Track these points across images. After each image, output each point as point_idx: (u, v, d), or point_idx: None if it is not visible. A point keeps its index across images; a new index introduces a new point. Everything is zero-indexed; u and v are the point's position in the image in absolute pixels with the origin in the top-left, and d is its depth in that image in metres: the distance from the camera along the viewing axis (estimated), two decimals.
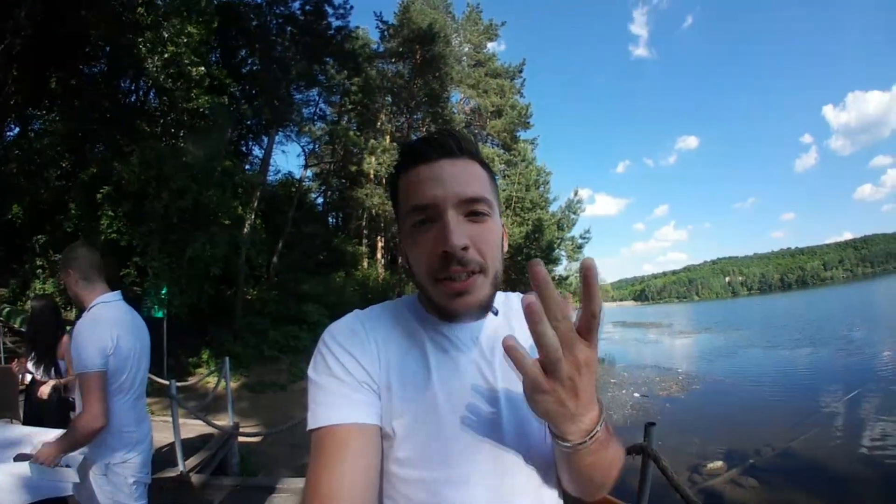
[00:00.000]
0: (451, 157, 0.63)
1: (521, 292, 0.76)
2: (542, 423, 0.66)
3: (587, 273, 0.47)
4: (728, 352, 19.90)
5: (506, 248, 0.69)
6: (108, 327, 1.69)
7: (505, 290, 0.78)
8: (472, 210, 0.62)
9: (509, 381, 0.67)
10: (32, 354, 3.09)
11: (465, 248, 0.59)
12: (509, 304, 0.76)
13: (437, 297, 0.62)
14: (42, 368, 3.05)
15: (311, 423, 0.59)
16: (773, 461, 6.57)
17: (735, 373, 14.36)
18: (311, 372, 0.63)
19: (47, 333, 3.11)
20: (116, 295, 1.82)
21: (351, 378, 0.61)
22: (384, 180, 20.31)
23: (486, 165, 0.67)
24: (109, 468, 1.70)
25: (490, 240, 0.62)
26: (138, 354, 1.83)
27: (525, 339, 0.68)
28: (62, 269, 1.79)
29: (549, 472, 0.69)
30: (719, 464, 6.42)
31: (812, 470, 6.18)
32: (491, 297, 0.65)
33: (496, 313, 0.73)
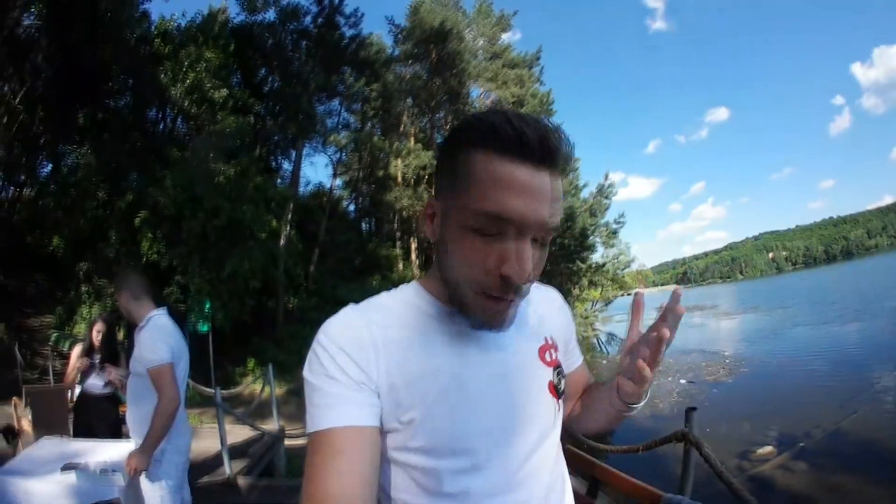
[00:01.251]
0: (553, 171, 0.54)
1: (558, 284, 0.80)
2: (553, 400, 0.69)
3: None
4: (775, 331, 18.94)
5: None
6: (168, 333, 2.00)
7: (540, 281, 0.76)
8: (544, 236, 0.57)
9: (519, 363, 0.67)
10: (98, 359, 3.39)
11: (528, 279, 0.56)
12: None
13: (474, 308, 0.59)
14: (98, 375, 3.38)
15: (309, 427, 0.57)
16: (823, 443, 6.26)
17: (783, 353, 13.64)
18: (305, 372, 0.60)
19: (112, 344, 3.52)
20: (164, 310, 2.11)
21: (346, 377, 0.58)
22: (412, 182, 20.47)
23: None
24: (165, 452, 1.92)
25: (542, 266, 0.60)
26: (186, 356, 2.11)
27: (529, 329, 0.72)
28: (116, 291, 2.12)
29: (559, 449, 0.70)
30: (769, 449, 6.13)
31: (863, 451, 5.84)
32: (516, 313, 0.63)
33: None
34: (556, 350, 0.73)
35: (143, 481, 1.88)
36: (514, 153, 0.52)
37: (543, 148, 0.52)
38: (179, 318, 9.08)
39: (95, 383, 3.36)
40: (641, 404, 0.68)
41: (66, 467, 1.92)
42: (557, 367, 0.71)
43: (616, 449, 2.81)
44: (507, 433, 0.62)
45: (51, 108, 10.02)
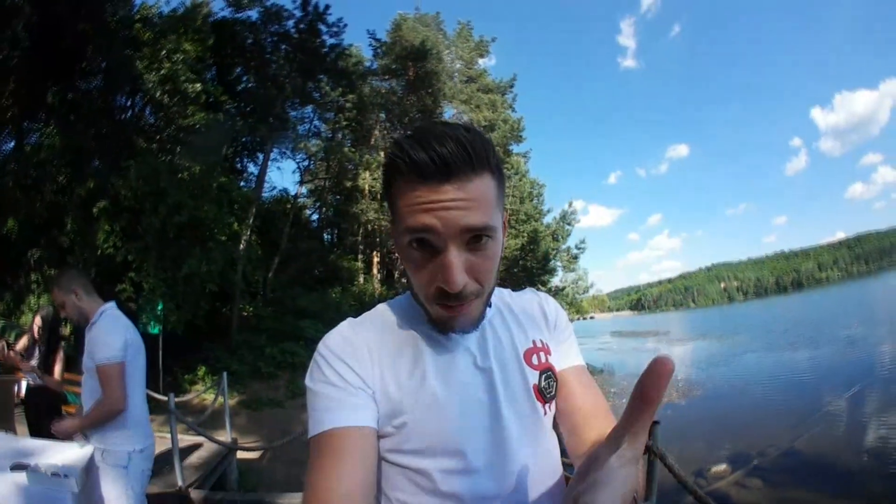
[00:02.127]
0: (456, 179, 0.55)
1: None
2: (538, 404, 0.68)
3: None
4: (727, 357, 19.93)
5: (504, 246, 0.68)
6: (123, 326, 1.94)
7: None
8: (475, 237, 0.58)
9: (502, 366, 0.69)
10: (37, 354, 3.22)
11: (464, 286, 0.58)
12: (501, 297, 0.78)
13: (433, 314, 0.64)
14: (39, 368, 3.21)
15: (311, 430, 0.61)
16: (777, 461, 6.55)
17: (735, 377, 14.39)
18: (307, 381, 0.65)
19: (55, 338, 3.36)
20: (113, 304, 2.04)
21: (345, 383, 0.62)
22: (379, 195, 20.39)
23: (496, 172, 0.61)
24: (132, 458, 1.86)
25: (489, 266, 0.61)
26: (143, 351, 2.05)
27: (515, 333, 0.73)
28: (63, 292, 1.95)
29: (547, 449, 0.71)
30: (723, 467, 6.39)
31: (817, 468, 6.18)
32: (483, 313, 0.67)
33: (490, 306, 0.74)
34: (546, 353, 0.73)
35: (107, 488, 1.75)
36: (416, 177, 0.56)
37: (439, 165, 0.55)
38: (130, 316, 8.58)
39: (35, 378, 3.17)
40: None
41: (16, 466, 1.73)
42: (546, 371, 0.72)
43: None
44: (495, 436, 0.65)
45: (22, 81, 9.48)
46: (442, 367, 0.66)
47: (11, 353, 3.21)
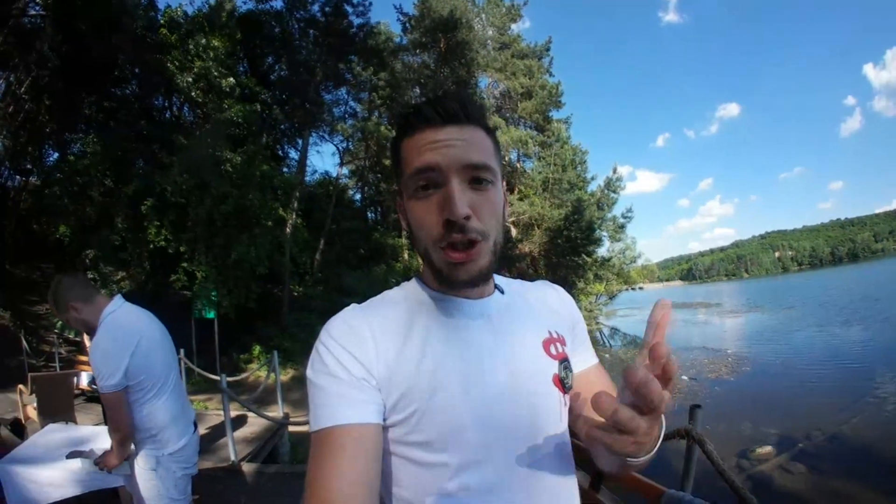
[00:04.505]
0: (456, 124, 0.62)
1: (562, 277, 0.76)
2: (558, 394, 0.67)
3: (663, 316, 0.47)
4: (779, 332, 18.87)
5: (507, 219, 0.69)
6: (124, 339, 1.68)
7: (546, 274, 0.77)
8: (476, 177, 0.61)
9: (523, 354, 0.67)
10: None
11: (467, 217, 0.59)
12: (511, 286, 0.76)
13: (439, 264, 0.62)
14: None
15: (312, 426, 0.59)
16: (822, 446, 6.26)
17: (786, 353, 13.63)
18: (308, 372, 0.62)
19: None
20: (119, 300, 1.79)
21: (348, 375, 0.60)
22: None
23: (491, 132, 0.66)
24: (160, 461, 1.75)
25: (492, 209, 0.62)
26: (166, 346, 1.86)
27: (531, 321, 0.71)
28: (61, 312, 1.73)
29: (566, 444, 0.69)
30: (768, 449, 6.15)
31: (863, 455, 5.84)
32: (491, 266, 0.64)
33: (503, 292, 0.73)
34: (562, 344, 0.72)
35: (142, 489, 1.76)
36: (419, 125, 0.63)
37: (439, 110, 0.61)
38: (185, 304, 9.18)
39: None
40: (644, 458, 0.54)
41: (72, 454, 1.93)
42: (564, 361, 0.70)
43: None
44: (510, 427, 0.62)
45: (57, 97, 10.04)
46: (454, 355, 0.63)
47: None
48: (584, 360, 0.77)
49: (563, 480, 0.67)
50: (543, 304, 0.76)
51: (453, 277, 0.62)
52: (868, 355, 12.06)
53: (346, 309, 0.68)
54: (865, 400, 8.12)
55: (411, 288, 0.72)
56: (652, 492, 1.68)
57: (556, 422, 0.67)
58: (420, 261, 0.70)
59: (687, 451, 2.26)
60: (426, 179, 0.61)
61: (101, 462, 1.74)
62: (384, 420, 0.61)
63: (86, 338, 3.32)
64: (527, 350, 0.68)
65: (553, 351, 0.69)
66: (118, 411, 1.64)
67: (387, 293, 0.73)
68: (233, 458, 4.10)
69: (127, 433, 1.68)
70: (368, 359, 0.61)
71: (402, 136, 0.65)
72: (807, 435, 6.63)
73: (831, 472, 5.50)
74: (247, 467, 4.15)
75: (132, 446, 1.76)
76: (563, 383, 0.68)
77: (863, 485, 5.11)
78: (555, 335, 0.71)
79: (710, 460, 2.23)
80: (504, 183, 0.69)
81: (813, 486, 5.29)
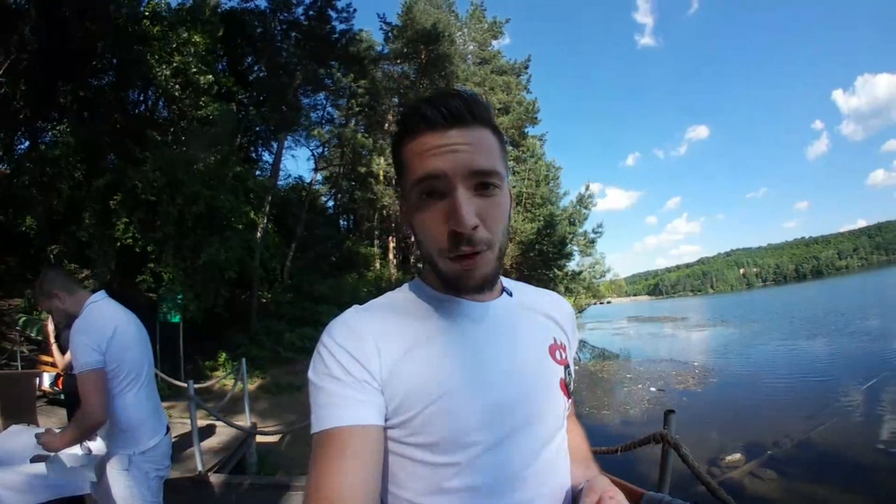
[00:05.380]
0: (461, 126, 0.59)
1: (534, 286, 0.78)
2: (563, 399, 0.68)
3: None
4: (744, 344, 19.62)
5: (512, 217, 0.67)
6: (102, 323, 1.71)
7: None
8: (482, 182, 0.59)
9: (530, 357, 0.67)
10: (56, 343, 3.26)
11: (474, 228, 0.57)
12: (519, 289, 0.76)
13: (445, 271, 0.61)
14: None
15: (314, 427, 0.58)
16: (791, 452, 6.48)
17: (752, 365, 14.17)
18: (310, 373, 0.62)
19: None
20: (102, 294, 1.85)
21: (350, 377, 0.59)
22: (394, 181, 20.41)
23: (497, 131, 0.63)
24: (132, 461, 1.73)
25: (499, 215, 0.61)
26: (142, 342, 1.87)
27: (537, 325, 0.72)
28: (45, 299, 1.80)
29: (565, 446, 0.70)
30: (738, 456, 6.34)
31: (831, 460, 6.09)
32: (496, 271, 0.64)
33: (511, 294, 0.72)
34: (564, 351, 0.72)
35: (114, 490, 1.72)
36: (423, 127, 0.59)
37: (443, 112, 0.58)
38: (150, 306, 8.83)
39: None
40: None
41: (36, 458, 1.81)
42: (568, 367, 0.71)
43: (595, 450, 2.86)
44: (515, 429, 0.62)
45: (33, 83, 9.64)
46: (458, 357, 0.62)
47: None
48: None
49: (565, 484, 0.68)
50: (549, 310, 0.76)
51: (460, 285, 0.62)
52: (833, 366, 12.65)
53: (348, 310, 0.67)
54: (832, 408, 8.48)
55: (414, 289, 0.70)
56: (631, 494, 1.70)
57: (559, 426, 0.68)
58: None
59: (663, 455, 2.29)
60: (431, 188, 0.59)
61: (42, 438, 1.67)
62: (386, 421, 0.60)
63: (50, 335, 3.19)
64: (533, 354, 0.67)
65: (558, 357, 0.70)
66: (94, 392, 1.62)
67: (389, 294, 0.71)
68: (200, 468, 3.93)
69: (97, 419, 1.63)
70: (370, 360, 0.60)
71: (404, 136, 0.62)
72: (776, 442, 6.83)
73: (802, 477, 5.68)
74: (214, 478, 3.99)
75: (79, 443, 1.71)
76: (568, 388, 0.69)
77: (834, 488, 5.32)
78: (558, 342, 0.72)
79: (686, 463, 2.27)
80: (509, 183, 0.67)
81: (784, 491, 5.46)
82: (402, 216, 0.68)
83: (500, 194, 0.61)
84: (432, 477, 0.59)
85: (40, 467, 1.75)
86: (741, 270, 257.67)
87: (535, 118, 24.14)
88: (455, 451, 0.59)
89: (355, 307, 0.68)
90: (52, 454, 1.84)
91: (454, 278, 0.61)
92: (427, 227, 0.60)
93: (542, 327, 0.72)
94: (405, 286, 0.72)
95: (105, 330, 1.69)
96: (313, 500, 0.53)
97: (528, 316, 0.72)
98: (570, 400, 0.70)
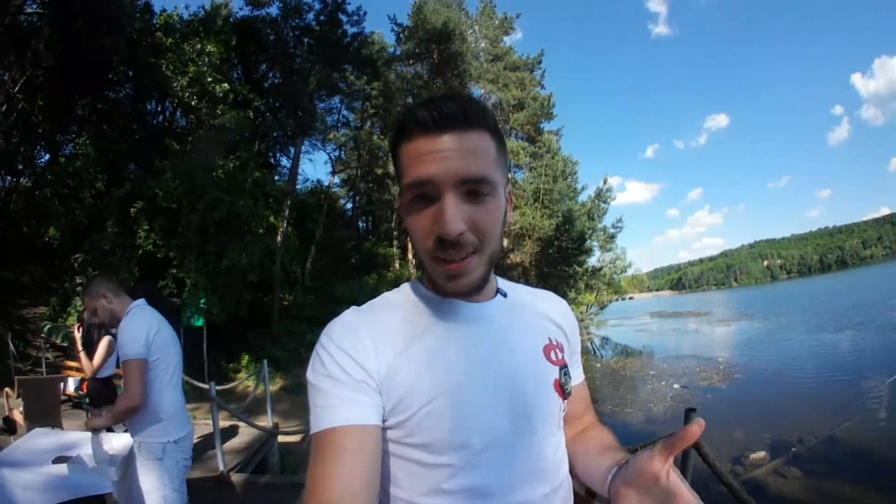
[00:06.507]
0: (455, 131, 0.58)
1: (554, 287, 0.78)
2: (558, 400, 0.68)
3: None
4: (769, 339, 19.04)
5: (509, 220, 0.67)
6: (146, 321, 1.93)
7: (537, 284, 0.76)
8: (473, 190, 0.58)
9: (525, 358, 0.67)
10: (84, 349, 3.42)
11: (461, 234, 0.57)
12: (514, 290, 0.76)
13: (434, 275, 0.62)
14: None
15: (313, 427, 0.58)
16: (816, 450, 6.29)
17: (776, 360, 13.72)
18: (309, 374, 0.62)
19: (96, 334, 3.49)
20: (143, 301, 2.06)
21: (348, 377, 0.59)
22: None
23: (496, 134, 0.62)
24: (166, 450, 1.87)
25: (489, 221, 0.60)
26: (176, 345, 2.06)
27: (532, 326, 0.72)
28: (92, 298, 2.01)
29: (563, 449, 0.70)
30: (762, 454, 6.16)
31: (856, 457, 5.88)
32: (486, 276, 0.63)
33: (505, 295, 0.72)
34: (561, 351, 0.72)
35: (144, 479, 1.83)
36: (416, 131, 0.59)
37: (436, 116, 0.57)
38: (173, 311, 9.08)
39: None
40: None
41: (58, 459, 1.89)
42: (564, 367, 0.70)
43: None
44: (511, 431, 0.62)
45: (51, 97, 9.96)
46: (454, 357, 0.62)
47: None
48: (575, 375, 0.77)
49: (564, 484, 0.67)
50: (545, 311, 0.75)
51: (446, 289, 0.62)
52: (859, 360, 12.22)
53: (346, 312, 0.67)
54: (857, 404, 8.18)
55: (411, 290, 0.71)
56: None
57: (555, 427, 0.68)
58: (411, 270, 0.69)
59: (683, 455, 2.25)
60: (420, 192, 0.59)
61: (91, 420, 1.88)
62: (384, 422, 0.60)
63: (77, 341, 3.35)
64: (528, 354, 0.67)
65: (553, 357, 0.69)
66: (136, 379, 1.80)
67: (386, 295, 0.72)
68: (221, 468, 4.03)
69: (138, 402, 1.80)
70: (368, 361, 0.61)
71: (400, 138, 0.62)
72: (800, 440, 6.65)
73: (827, 475, 5.51)
74: (236, 478, 4.08)
75: (118, 423, 1.89)
76: (563, 389, 0.69)
77: (859, 487, 5.13)
78: (554, 342, 0.71)
79: (706, 464, 2.21)
80: (509, 186, 0.67)
81: (809, 490, 5.30)
82: (400, 217, 0.68)
83: (491, 201, 0.60)
84: (431, 478, 0.60)
85: (62, 468, 1.83)
86: (765, 262, 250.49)
87: (551, 113, 23.89)
88: (450, 451, 0.59)
89: (353, 308, 0.68)
90: (75, 455, 1.93)
91: (441, 282, 0.62)
92: (417, 230, 0.61)
93: (537, 328, 0.71)
94: (403, 286, 0.73)
95: (151, 327, 1.91)
96: (312, 499, 0.53)
97: (523, 316, 0.71)
98: (564, 401, 0.69)
